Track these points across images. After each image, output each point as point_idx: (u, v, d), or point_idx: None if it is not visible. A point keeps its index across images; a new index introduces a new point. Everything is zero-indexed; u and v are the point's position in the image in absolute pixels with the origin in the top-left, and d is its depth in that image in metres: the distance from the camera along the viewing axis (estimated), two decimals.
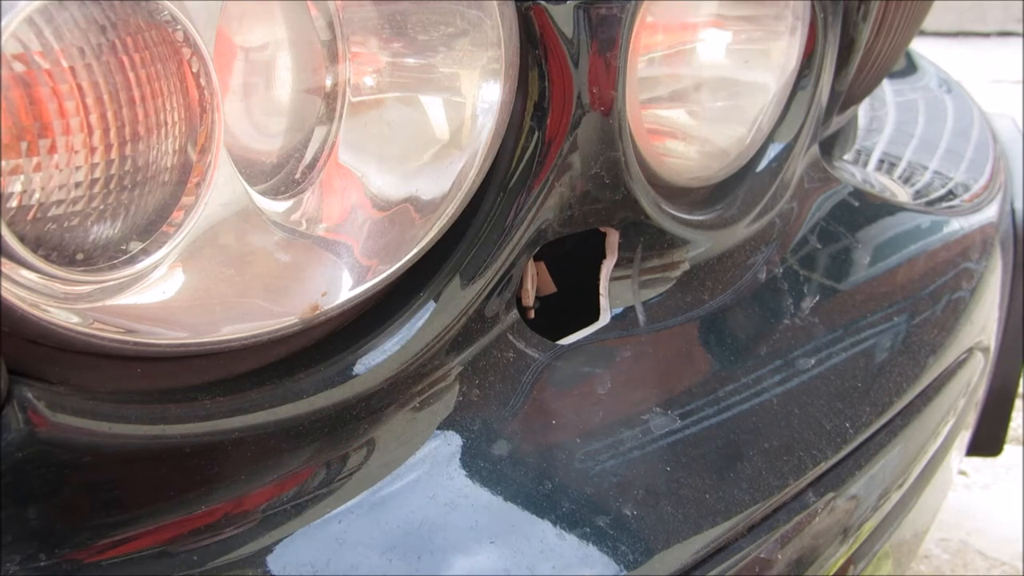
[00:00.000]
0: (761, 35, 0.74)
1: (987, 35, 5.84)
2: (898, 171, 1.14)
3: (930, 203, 1.04)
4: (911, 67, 1.48)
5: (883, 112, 1.29)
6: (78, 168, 0.40)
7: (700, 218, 0.72)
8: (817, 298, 0.79)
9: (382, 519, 0.51)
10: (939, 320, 0.84)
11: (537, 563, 0.51)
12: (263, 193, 0.51)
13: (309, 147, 0.53)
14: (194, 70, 0.44)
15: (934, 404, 0.79)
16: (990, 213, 1.05)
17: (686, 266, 0.73)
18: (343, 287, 0.51)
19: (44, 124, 0.39)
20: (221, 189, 0.47)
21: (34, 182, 0.39)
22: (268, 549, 0.48)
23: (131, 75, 0.41)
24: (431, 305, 0.55)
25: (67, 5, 0.39)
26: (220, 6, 0.46)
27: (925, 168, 1.15)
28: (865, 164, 1.13)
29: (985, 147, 1.22)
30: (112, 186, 0.42)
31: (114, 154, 0.41)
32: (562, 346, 0.64)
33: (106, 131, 0.41)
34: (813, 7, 0.75)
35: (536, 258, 0.65)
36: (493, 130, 0.53)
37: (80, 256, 0.43)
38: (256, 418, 0.48)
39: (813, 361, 0.72)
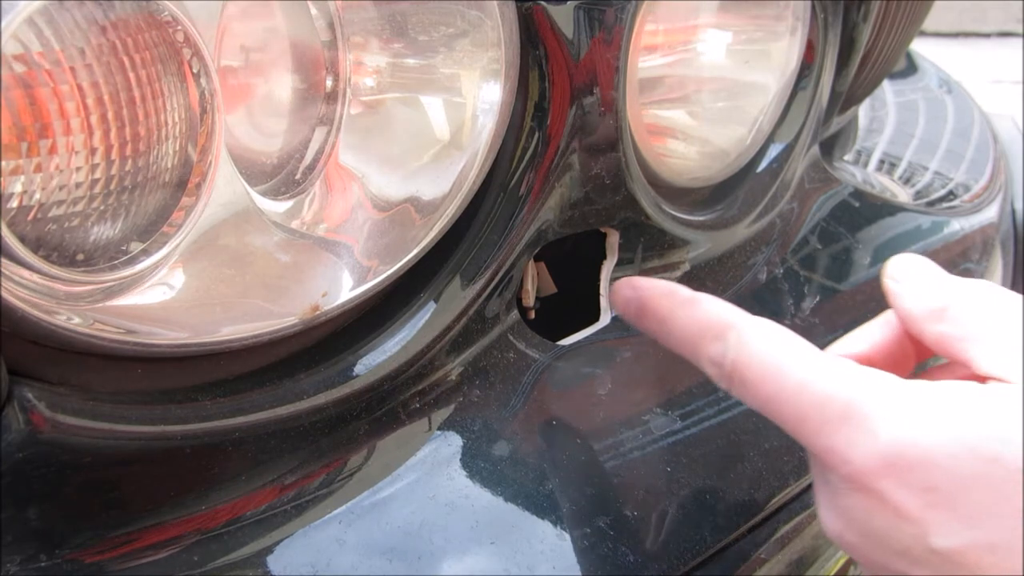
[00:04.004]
0: (761, 35, 0.74)
1: (987, 35, 5.84)
2: (898, 171, 1.14)
3: (930, 204, 1.04)
4: (911, 67, 1.48)
5: (883, 112, 1.29)
6: (78, 169, 0.40)
7: (700, 218, 0.72)
8: (817, 298, 0.79)
9: (382, 520, 0.51)
10: None
11: (537, 563, 0.51)
12: (263, 194, 0.51)
13: (309, 147, 0.53)
14: (194, 70, 0.44)
15: None
16: (990, 213, 1.05)
17: (686, 266, 0.73)
18: (344, 287, 0.51)
19: (44, 125, 0.39)
20: (221, 190, 0.47)
21: (34, 182, 0.39)
22: (268, 549, 0.48)
23: (131, 75, 0.41)
24: (432, 305, 0.55)
25: (67, 5, 0.39)
26: (220, 6, 0.46)
27: (925, 168, 1.15)
28: (865, 165, 1.13)
29: (985, 147, 1.22)
30: (113, 187, 0.42)
31: (115, 154, 0.41)
32: (562, 346, 0.64)
33: (107, 132, 0.41)
34: (813, 7, 0.75)
35: (536, 258, 0.65)
36: (493, 130, 0.53)
37: (80, 257, 0.43)
38: (256, 418, 0.48)
39: None
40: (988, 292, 0.50)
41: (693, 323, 0.52)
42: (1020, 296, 0.50)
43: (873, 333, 0.54)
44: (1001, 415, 0.42)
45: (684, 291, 0.55)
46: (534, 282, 0.65)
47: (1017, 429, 0.41)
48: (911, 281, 0.52)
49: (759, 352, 0.48)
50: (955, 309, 0.49)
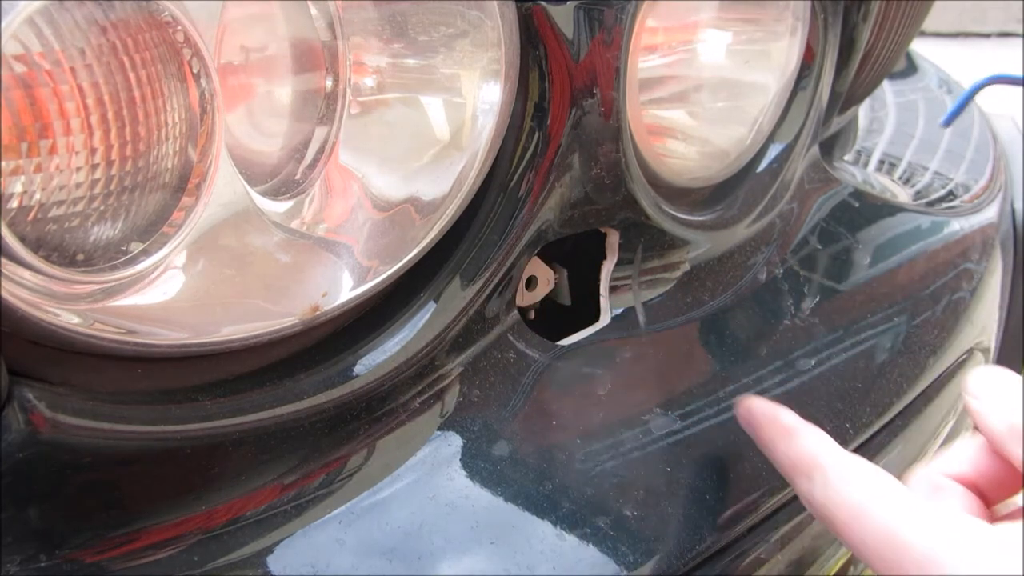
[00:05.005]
0: (761, 36, 0.74)
1: (987, 35, 5.84)
2: (898, 172, 1.14)
3: (930, 204, 1.04)
4: (911, 67, 1.48)
5: (883, 113, 1.29)
6: (79, 169, 0.40)
7: (700, 219, 0.72)
8: (817, 299, 0.79)
9: (382, 520, 0.51)
10: (939, 321, 0.84)
11: (537, 563, 0.51)
12: (263, 194, 0.51)
13: (310, 148, 0.53)
14: (194, 71, 0.44)
15: (934, 405, 0.79)
16: (990, 213, 1.05)
17: (686, 267, 0.73)
18: (344, 287, 0.51)
19: (45, 125, 0.39)
20: (221, 190, 0.47)
21: (34, 183, 0.39)
22: (268, 549, 0.48)
23: (131, 76, 0.41)
24: (432, 305, 0.55)
25: (67, 5, 0.39)
26: (220, 6, 0.46)
27: (925, 169, 1.15)
28: (865, 165, 1.13)
29: (985, 147, 1.22)
30: (113, 187, 0.42)
31: (115, 155, 0.41)
32: (562, 347, 0.64)
33: (107, 132, 0.41)
34: (813, 7, 0.75)
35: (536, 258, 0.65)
36: (493, 131, 0.53)
37: (80, 257, 0.43)
38: (256, 418, 0.48)
39: (813, 362, 0.72)
40: None
41: (787, 458, 0.53)
42: None
43: (972, 451, 0.53)
44: None
45: (785, 419, 0.55)
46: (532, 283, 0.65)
47: None
48: (992, 398, 0.51)
49: (844, 495, 0.49)
50: None
